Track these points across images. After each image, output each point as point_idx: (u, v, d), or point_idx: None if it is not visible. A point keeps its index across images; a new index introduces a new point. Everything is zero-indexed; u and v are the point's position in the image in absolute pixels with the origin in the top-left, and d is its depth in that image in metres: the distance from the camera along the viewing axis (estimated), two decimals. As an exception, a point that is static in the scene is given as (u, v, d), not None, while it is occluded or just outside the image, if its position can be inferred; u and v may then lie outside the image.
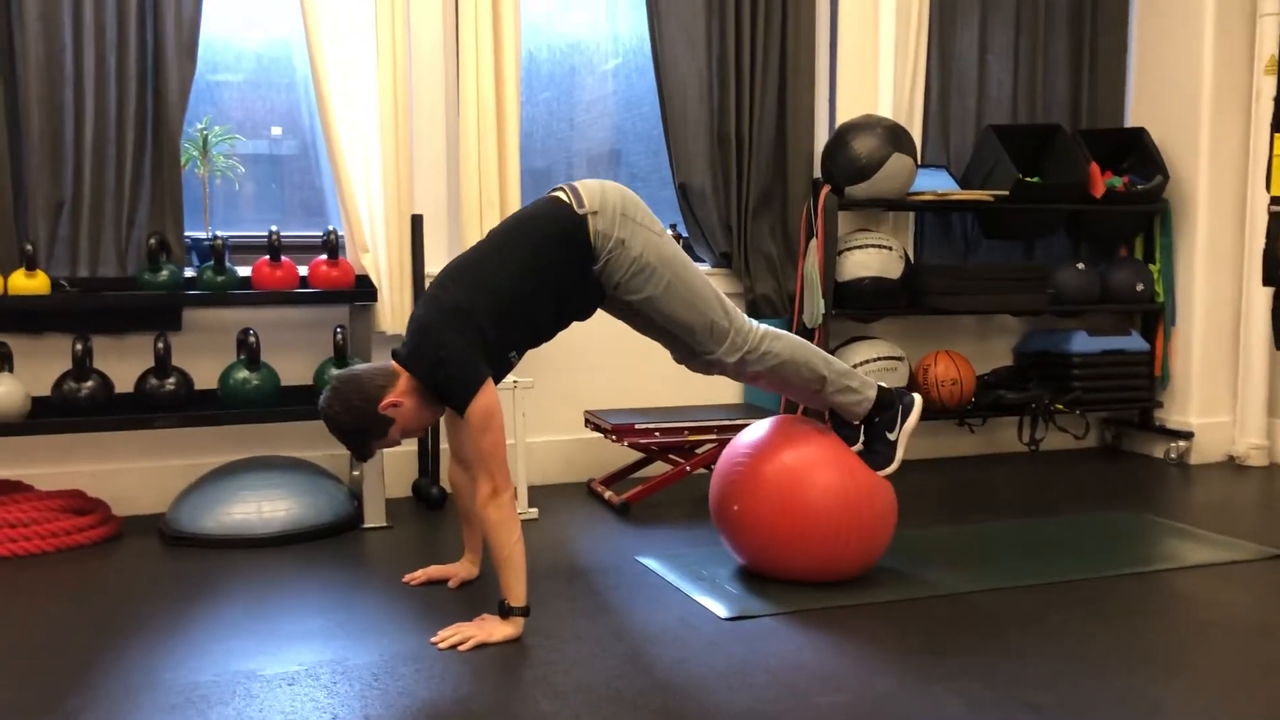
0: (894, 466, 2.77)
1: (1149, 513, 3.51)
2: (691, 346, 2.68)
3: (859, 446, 2.81)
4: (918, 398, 2.84)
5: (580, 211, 2.48)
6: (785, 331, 2.74)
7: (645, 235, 2.54)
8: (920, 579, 2.78)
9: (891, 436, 2.79)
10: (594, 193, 2.52)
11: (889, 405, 2.80)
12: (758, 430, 2.82)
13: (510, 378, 3.46)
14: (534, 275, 2.45)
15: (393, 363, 2.46)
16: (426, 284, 3.63)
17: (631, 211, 2.54)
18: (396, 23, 3.54)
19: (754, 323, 2.71)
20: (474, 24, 3.61)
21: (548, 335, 2.59)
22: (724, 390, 4.17)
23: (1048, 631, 2.41)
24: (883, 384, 2.84)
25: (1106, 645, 2.32)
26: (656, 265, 2.55)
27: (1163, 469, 4.26)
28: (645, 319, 2.70)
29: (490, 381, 2.37)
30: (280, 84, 3.81)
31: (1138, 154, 4.44)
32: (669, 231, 2.63)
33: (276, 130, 3.83)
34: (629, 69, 4.20)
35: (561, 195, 2.53)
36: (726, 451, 2.85)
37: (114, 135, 3.38)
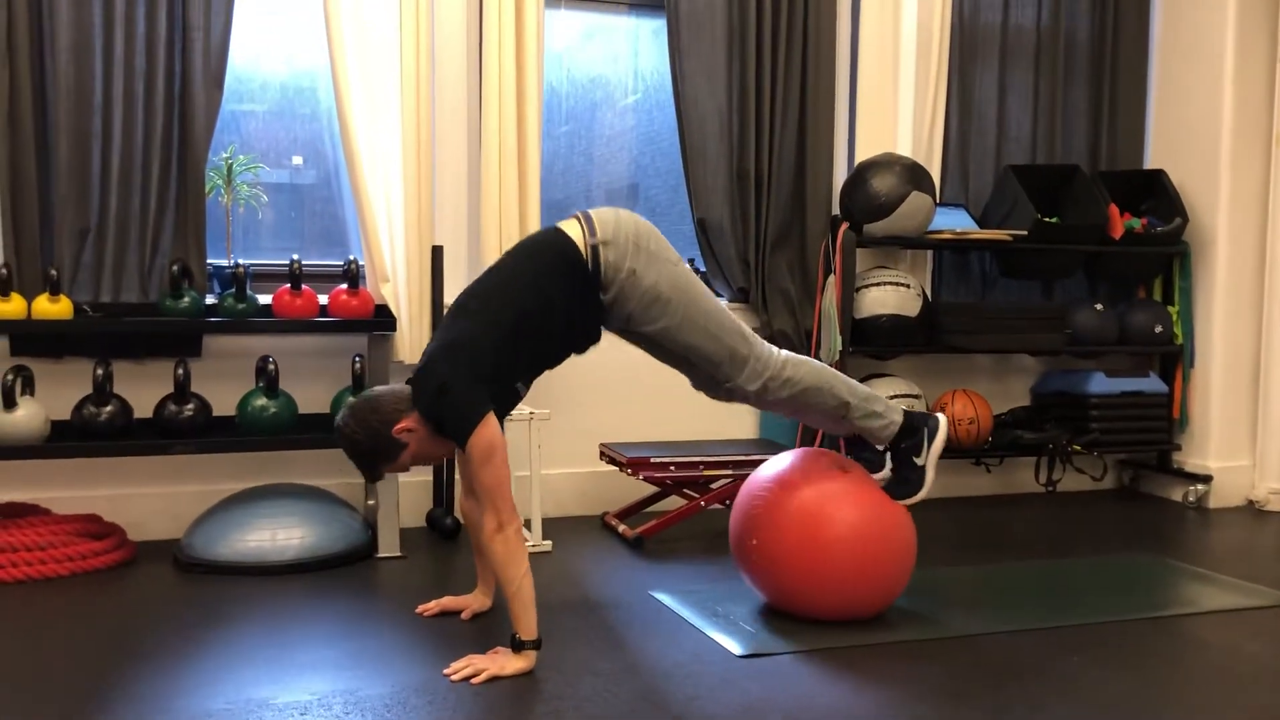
0: (925, 492, 2.74)
1: (1167, 556, 3.48)
2: (712, 375, 2.67)
3: (886, 473, 2.78)
4: (942, 418, 2.81)
5: (590, 241, 2.49)
6: (807, 357, 2.73)
7: (659, 265, 2.53)
8: (937, 620, 2.76)
9: (920, 461, 2.76)
10: (607, 222, 2.52)
11: (914, 430, 2.78)
12: (778, 464, 2.81)
13: (526, 409, 3.47)
14: (540, 306, 2.45)
15: (409, 388, 2.47)
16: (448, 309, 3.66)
17: (645, 241, 2.53)
18: (421, 54, 3.58)
19: (774, 349, 2.69)
20: (497, 58, 3.64)
21: (552, 364, 2.59)
22: (740, 425, 4.17)
23: (1065, 676, 2.38)
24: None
25: (1124, 690, 2.29)
26: (671, 296, 2.54)
27: (1181, 512, 4.23)
28: (663, 348, 2.69)
29: (492, 415, 2.36)
30: (303, 114, 3.85)
31: (1157, 196, 4.44)
32: (686, 262, 2.62)
33: (298, 160, 3.86)
34: (649, 104, 4.23)
35: (574, 224, 2.53)
36: (746, 485, 2.84)
37: (140, 163, 3.42)
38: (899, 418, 2.77)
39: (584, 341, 2.61)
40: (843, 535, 2.62)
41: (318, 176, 3.89)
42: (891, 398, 4.00)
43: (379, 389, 2.48)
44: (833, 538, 2.61)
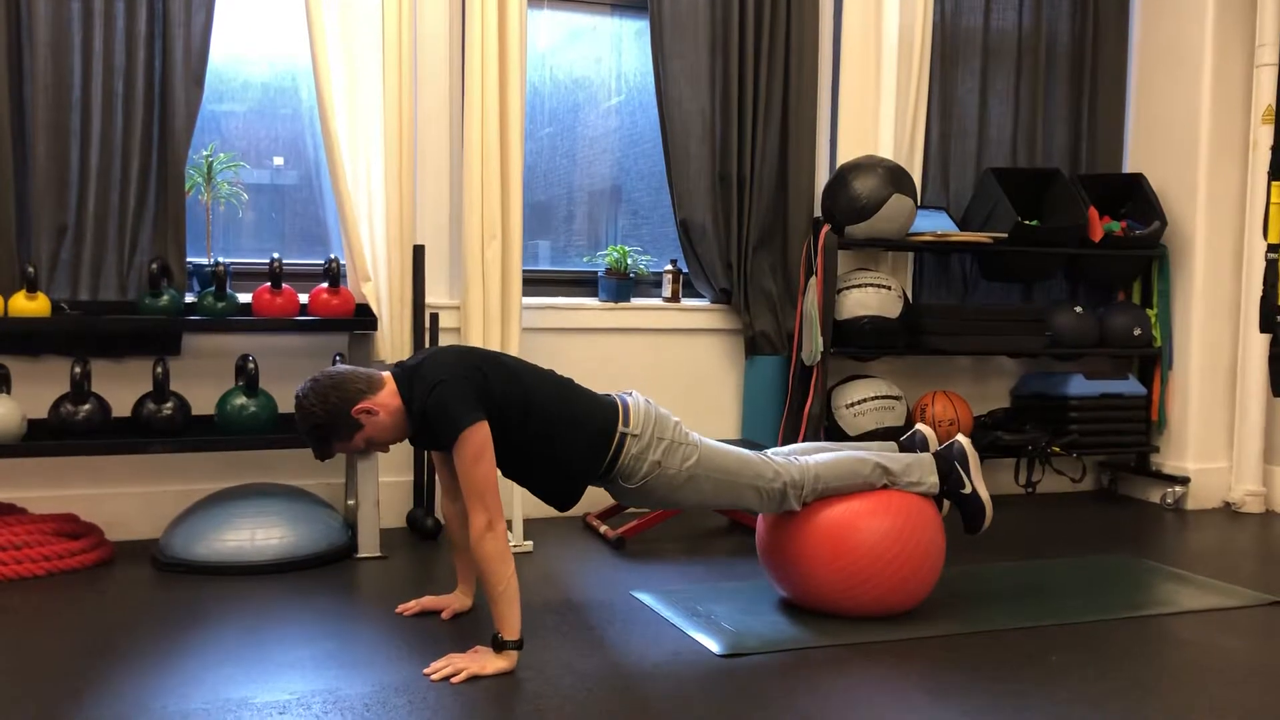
0: (989, 511, 2.84)
1: (1145, 557, 3.50)
2: (758, 513, 2.77)
3: (945, 511, 2.88)
4: (962, 439, 2.87)
5: (622, 430, 2.56)
6: (834, 458, 2.76)
7: (682, 452, 2.62)
8: (918, 620, 2.77)
9: (968, 491, 2.83)
10: (639, 417, 2.60)
11: (949, 471, 2.83)
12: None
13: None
14: (556, 420, 2.51)
15: (385, 373, 2.46)
16: (427, 314, 3.65)
17: (664, 434, 2.61)
18: (403, 52, 3.57)
19: (799, 462, 2.74)
20: (480, 56, 3.64)
21: (504, 469, 2.56)
22: (723, 425, 4.17)
23: (1048, 673, 2.39)
24: (930, 451, 2.87)
25: (1104, 688, 2.31)
26: (696, 473, 2.63)
27: (1159, 514, 4.26)
28: (706, 508, 2.78)
29: (485, 423, 2.37)
30: (283, 115, 3.83)
31: (1136, 199, 4.47)
32: (693, 435, 2.72)
33: (279, 160, 3.85)
34: (632, 105, 4.23)
35: (619, 405, 2.61)
36: None
37: (119, 160, 3.40)
38: (935, 477, 2.82)
39: (555, 493, 2.64)
40: (871, 538, 2.69)
41: (299, 177, 3.87)
42: (872, 399, 4.02)
43: (344, 367, 2.48)
44: (862, 541, 2.69)
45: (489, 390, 2.42)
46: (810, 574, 2.72)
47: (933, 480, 2.80)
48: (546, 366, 2.67)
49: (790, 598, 2.85)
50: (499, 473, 2.44)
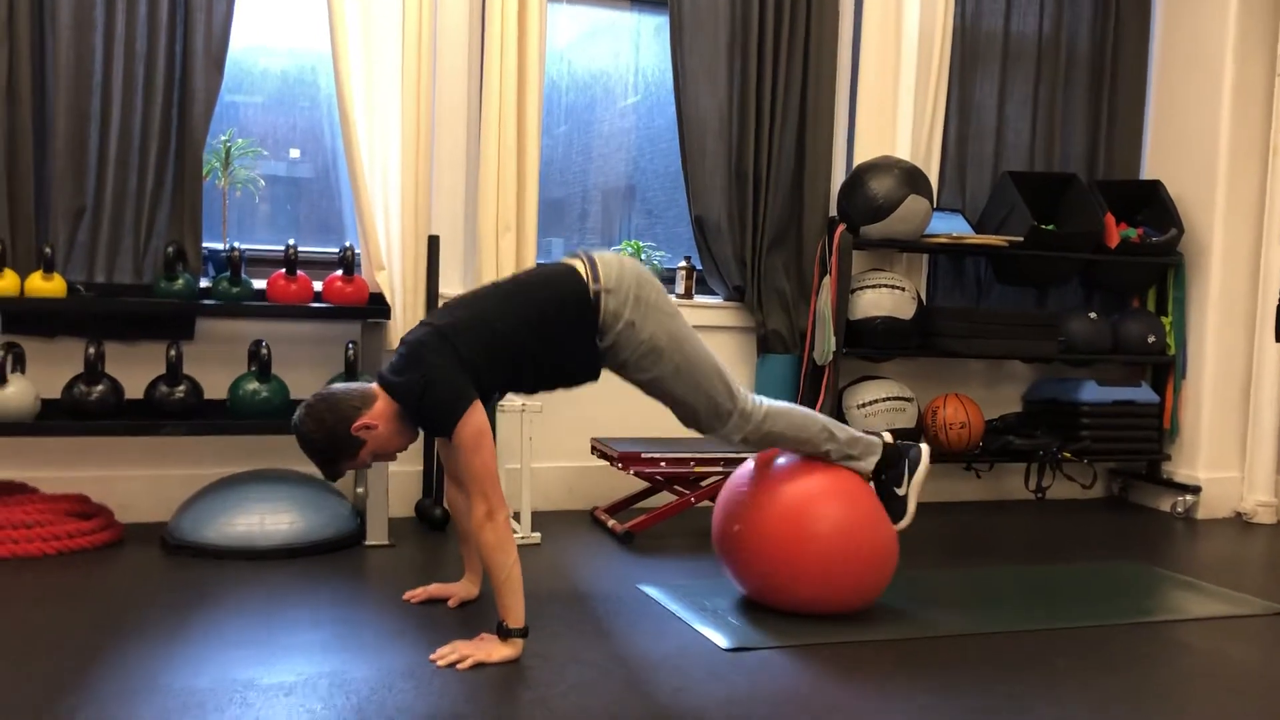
0: (907, 520, 2.78)
1: (1154, 565, 3.49)
2: (696, 423, 2.70)
3: None
4: (925, 449, 2.83)
5: (595, 287, 2.50)
6: (789, 407, 2.74)
7: (657, 317, 2.55)
8: (924, 619, 2.76)
9: (901, 491, 2.80)
10: (611, 269, 2.53)
11: (895, 462, 2.81)
12: (758, 461, 2.84)
13: (519, 400, 3.46)
14: (532, 328, 2.46)
15: (373, 385, 2.46)
16: (440, 304, 3.66)
17: (645, 293, 2.55)
18: (423, 43, 3.58)
19: (759, 401, 2.71)
20: (499, 49, 3.64)
21: (527, 387, 2.57)
22: (731, 424, 4.16)
23: (1052, 676, 2.39)
24: (888, 440, 2.84)
25: (1110, 693, 2.30)
26: (666, 348, 2.56)
27: (1169, 522, 4.24)
28: (653, 392, 2.70)
29: (479, 403, 2.36)
30: (300, 106, 3.84)
31: (1153, 206, 4.45)
32: (681, 311, 2.66)
33: (295, 152, 3.85)
34: (649, 102, 4.23)
35: (578, 265, 2.54)
36: (730, 480, 2.86)
37: (138, 144, 3.42)
38: (876, 456, 2.80)
39: (579, 376, 2.62)
40: (826, 530, 2.64)
41: (315, 169, 3.88)
42: (884, 400, 4.01)
43: (336, 386, 2.46)
44: (816, 530, 2.63)
45: (469, 360, 2.38)
46: (765, 564, 2.69)
47: (872, 461, 2.79)
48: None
49: (748, 593, 2.83)
50: (498, 459, 2.42)
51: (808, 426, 2.73)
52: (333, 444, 2.41)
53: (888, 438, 2.85)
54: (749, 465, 2.85)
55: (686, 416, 2.69)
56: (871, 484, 2.82)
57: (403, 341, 2.45)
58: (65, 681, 2.13)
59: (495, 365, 2.44)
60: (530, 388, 2.59)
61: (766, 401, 2.72)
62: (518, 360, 2.47)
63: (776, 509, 2.68)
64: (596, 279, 2.50)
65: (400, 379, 2.39)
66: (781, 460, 2.79)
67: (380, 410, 2.42)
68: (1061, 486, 4.59)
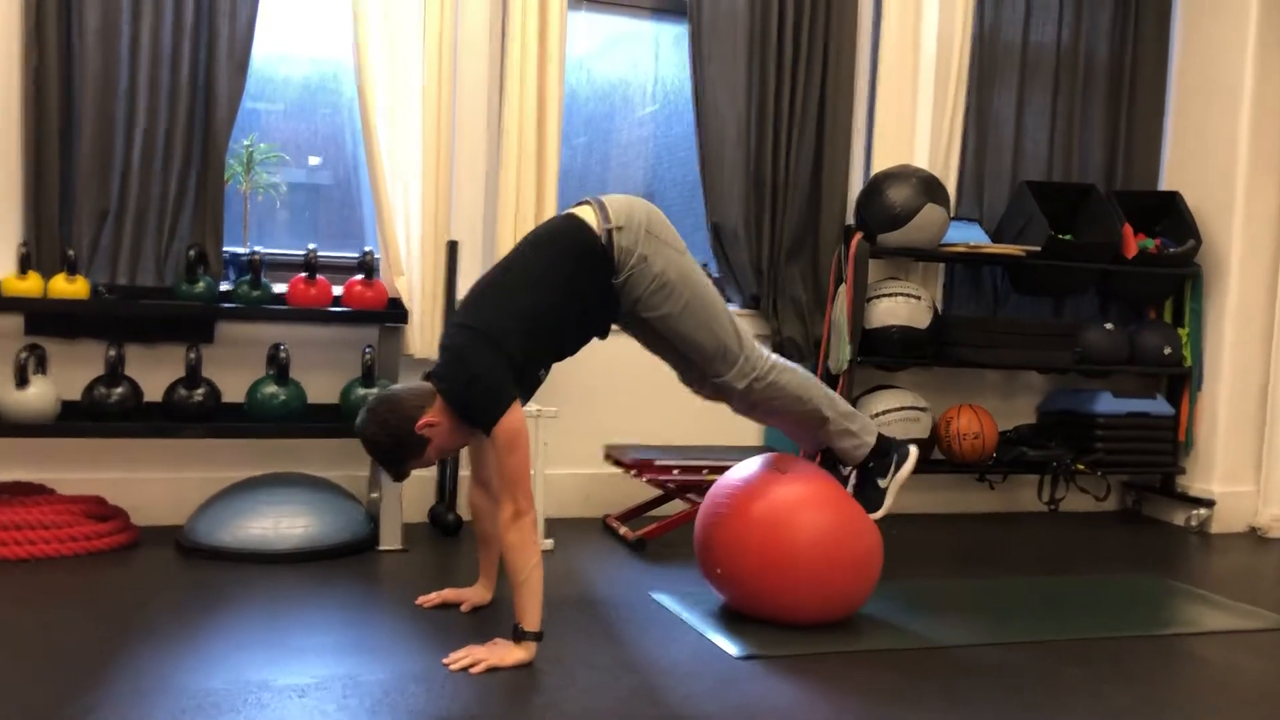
0: (882, 512, 2.78)
1: (1168, 578, 3.48)
2: (701, 368, 2.70)
3: (850, 489, 2.82)
4: (914, 449, 2.85)
5: (605, 226, 2.51)
6: (795, 366, 2.75)
7: (668, 253, 2.57)
8: (936, 630, 2.76)
9: (883, 484, 2.81)
10: (620, 208, 2.54)
11: (885, 453, 2.82)
12: (743, 470, 2.82)
13: (534, 406, 3.48)
14: (558, 291, 2.48)
15: (428, 383, 2.49)
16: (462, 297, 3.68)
17: (656, 229, 2.56)
18: (444, 51, 3.60)
19: (766, 352, 2.72)
20: (519, 57, 3.67)
21: (571, 350, 2.62)
22: (745, 430, 4.17)
23: (1064, 688, 2.38)
24: (881, 431, 2.85)
25: (1123, 704, 2.29)
26: (677, 283, 2.57)
27: (1183, 536, 4.22)
28: (657, 336, 2.71)
29: (518, 403, 2.39)
30: (320, 114, 3.86)
31: (1171, 217, 4.44)
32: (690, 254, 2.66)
33: (314, 160, 3.88)
34: (667, 111, 4.25)
35: (588, 209, 2.56)
36: (710, 492, 2.86)
37: (161, 148, 3.45)
38: (872, 439, 2.81)
39: (603, 326, 2.65)
40: (806, 538, 2.62)
41: (334, 177, 3.91)
42: (898, 410, 4.01)
43: (395, 387, 2.49)
44: (796, 541, 2.62)
45: (509, 348, 2.40)
46: (747, 570, 2.68)
47: (868, 441, 2.79)
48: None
49: (729, 600, 2.82)
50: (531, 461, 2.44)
51: (811, 389, 2.73)
52: (399, 444, 2.42)
53: (909, 458, 2.86)
54: (726, 481, 2.83)
55: (692, 362, 2.69)
56: (854, 471, 2.81)
57: (443, 346, 2.48)
58: (80, 681, 2.15)
59: (535, 348, 2.47)
60: (571, 351, 2.62)
61: (774, 355, 2.73)
62: (553, 331, 2.50)
63: (755, 524, 2.66)
64: (607, 219, 2.52)
65: (446, 378, 2.42)
66: (758, 470, 2.78)
67: (440, 406, 2.44)
68: (1075, 499, 4.58)
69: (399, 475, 2.51)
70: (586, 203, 2.58)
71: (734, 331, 2.66)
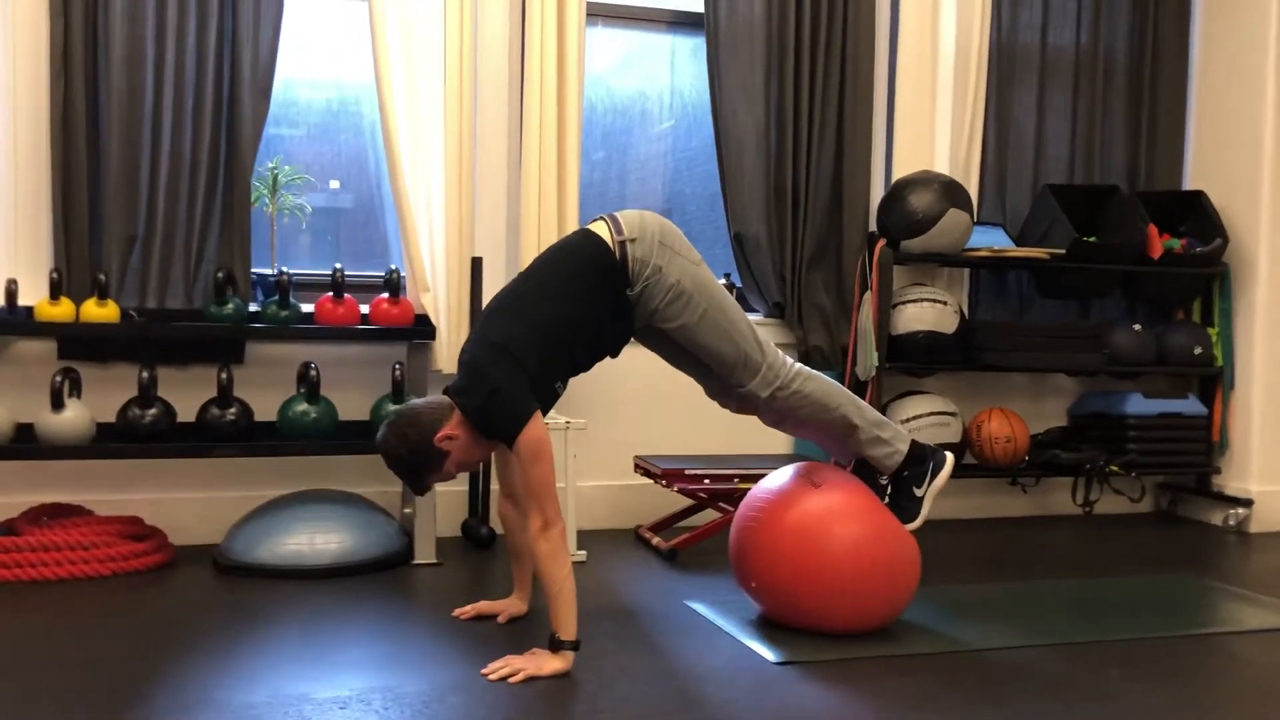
0: (918, 522, 2.74)
1: (1207, 578, 3.44)
2: (723, 379, 2.70)
3: (885, 501, 2.78)
4: (949, 456, 2.81)
5: (619, 238, 2.53)
6: (819, 374, 2.74)
7: (682, 264, 2.57)
8: (973, 633, 2.74)
9: (919, 493, 2.77)
10: (633, 221, 2.56)
11: (920, 460, 2.79)
12: (775, 479, 2.81)
13: (562, 418, 3.49)
14: (574, 305, 2.49)
15: (446, 397, 2.49)
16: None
17: (669, 240, 2.58)
18: (464, 70, 3.63)
19: (789, 361, 2.72)
20: (539, 74, 3.69)
21: (585, 365, 2.62)
22: (775, 439, 4.17)
23: (1106, 689, 2.36)
24: (915, 438, 2.82)
25: (1164, 704, 2.27)
26: (693, 293, 2.57)
27: (1221, 536, 4.18)
28: (678, 349, 2.72)
29: (539, 414, 2.39)
30: (342, 138, 3.90)
31: (1196, 217, 4.42)
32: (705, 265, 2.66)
33: (335, 183, 3.92)
34: (685, 127, 4.26)
35: (602, 225, 2.57)
36: (743, 503, 2.84)
37: (187, 172, 3.49)
38: (905, 447, 2.77)
39: (618, 342, 2.65)
40: (841, 548, 2.59)
41: (357, 200, 3.94)
42: (927, 415, 3.99)
43: (415, 402, 2.50)
44: (831, 551, 2.60)
45: (526, 362, 2.41)
46: (782, 581, 2.66)
47: (900, 449, 2.75)
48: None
49: (765, 611, 2.80)
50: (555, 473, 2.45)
51: (837, 396, 2.71)
52: (418, 457, 2.44)
53: (945, 466, 2.82)
54: (757, 492, 2.81)
55: (714, 373, 2.69)
56: (889, 481, 2.79)
57: (463, 357, 2.49)
58: (124, 697, 2.17)
59: (551, 362, 2.48)
60: (586, 366, 2.62)
61: (798, 363, 2.72)
62: (569, 345, 2.51)
63: (789, 535, 2.64)
64: (620, 232, 2.54)
65: (466, 392, 2.43)
66: (789, 480, 2.76)
67: (458, 420, 2.45)
68: (1109, 501, 4.54)
69: (420, 489, 2.52)
70: (600, 219, 2.60)
71: (755, 340, 2.66)
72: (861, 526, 2.62)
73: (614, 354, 2.67)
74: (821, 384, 2.71)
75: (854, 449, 2.80)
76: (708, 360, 2.67)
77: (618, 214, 2.59)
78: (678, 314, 2.58)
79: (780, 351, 2.72)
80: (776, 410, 2.72)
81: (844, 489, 2.69)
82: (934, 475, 2.78)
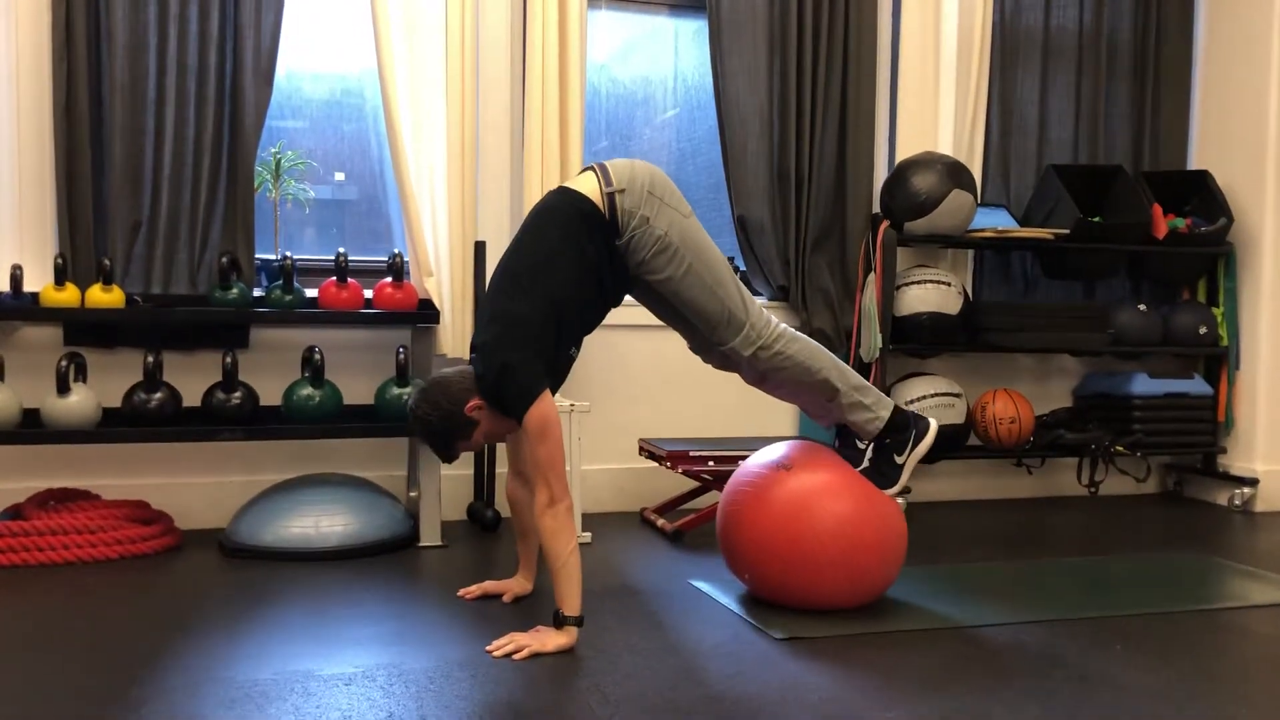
0: (896, 489, 2.72)
1: (1213, 555, 3.44)
2: (707, 335, 2.69)
3: (864, 466, 2.76)
4: (933, 423, 2.78)
5: (607, 189, 2.52)
6: (802, 336, 2.72)
7: (670, 215, 2.56)
8: (979, 609, 2.75)
9: (899, 460, 2.74)
10: (623, 171, 2.55)
11: (903, 428, 2.75)
12: (764, 456, 2.81)
13: (567, 401, 3.49)
14: (571, 269, 2.48)
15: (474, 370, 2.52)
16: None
17: (659, 191, 2.56)
18: (465, 55, 3.63)
19: (775, 321, 2.70)
20: (540, 57, 3.69)
21: (595, 322, 2.63)
22: (780, 422, 4.17)
23: (1111, 662, 2.36)
24: (921, 430, 2.78)
25: (1169, 676, 2.27)
26: (679, 246, 2.56)
27: (1227, 515, 4.17)
28: (663, 302, 2.71)
29: (548, 392, 2.40)
30: (345, 127, 3.89)
31: (1201, 197, 4.40)
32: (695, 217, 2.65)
33: (340, 175, 3.92)
34: (688, 113, 4.26)
35: (589, 176, 2.56)
36: (731, 479, 2.84)
37: (191, 159, 3.50)
38: (886, 413, 2.74)
39: (619, 291, 2.65)
40: (827, 525, 2.59)
41: (360, 191, 3.95)
42: (932, 396, 3.99)
43: (446, 371, 2.53)
44: (816, 529, 2.60)
45: (540, 335, 2.42)
46: (768, 558, 2.66)
47: (881, 415, 2.72)
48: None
49: (751, 589, 2.80)
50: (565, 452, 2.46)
51: (820, 358, 2.69)
52: (449, 425, 2.47)
53: (929, 432, 2.79)
54: (745, 470, 2.81)
55: (698, 329, 2.68)
56: (870, 446, 2.77)
57: (474, 347, 2.51)
58: (132, 675, 2.18)
59: (562, 327, 2.48)
60: (595, 323, 2.64)
61: (782, 325, 2.71)
62: (575, 307, 2.50)
63: (774, 519, 2.64)
64: (610, 183, 2.52)
65: (482, 376, 2.46)
66: (758, 467, 2.76)
67: (480, 399, 2.49)
68: (1115, 481, 4.54)
69: (448, 456, 2.55)
70: (590, 169, 2.59)
71: (740, 298, 2.64)
72: (840, 503, 2.61)
73: (617, 302, 2.67)
74: (805, 345, 2.69)
75: (836, 414, 2.77)
76: (691, 316, 2.65)
77: (608, 163, 2.57)
78: (663, 266, 2.56)
79: (767, 312, 2.70)
80: (758, 370, 2.70)
81: (817, 468, 2.68)
82: (915, 443, 2.74)
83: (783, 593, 2.68)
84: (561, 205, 2.53)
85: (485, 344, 2.45)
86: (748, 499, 2.70)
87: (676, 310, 2.71)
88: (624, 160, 2.59)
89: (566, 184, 2.59)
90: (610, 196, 2.51)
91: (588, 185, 2.55)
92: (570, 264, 2.49)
